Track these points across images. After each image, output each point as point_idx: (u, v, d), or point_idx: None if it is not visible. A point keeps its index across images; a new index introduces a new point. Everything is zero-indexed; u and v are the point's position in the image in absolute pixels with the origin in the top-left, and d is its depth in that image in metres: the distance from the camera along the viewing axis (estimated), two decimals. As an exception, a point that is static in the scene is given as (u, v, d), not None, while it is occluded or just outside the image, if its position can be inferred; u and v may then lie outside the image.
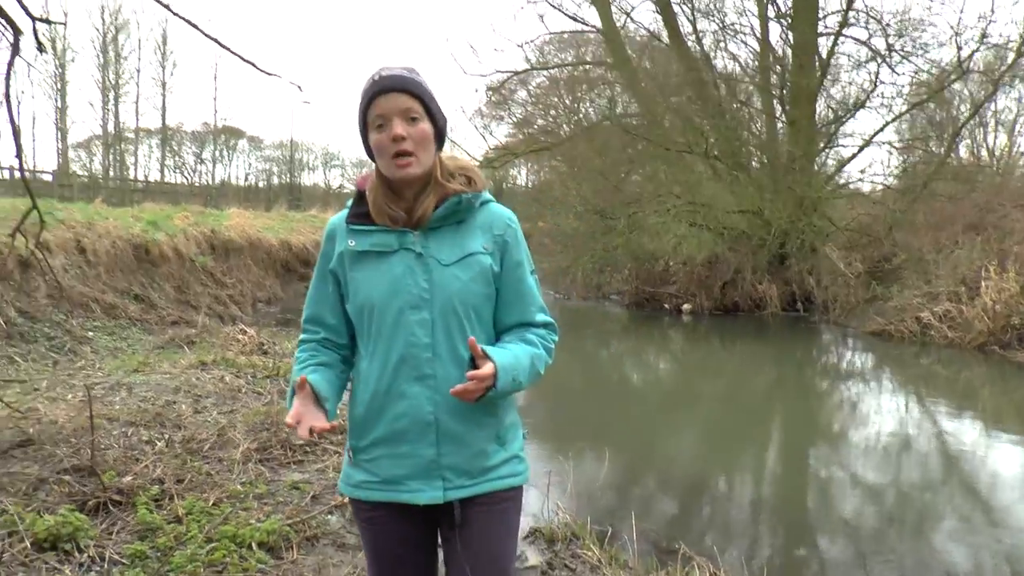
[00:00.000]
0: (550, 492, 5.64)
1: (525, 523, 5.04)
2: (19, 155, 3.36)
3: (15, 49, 3.21)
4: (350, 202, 2.18)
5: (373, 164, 2.13)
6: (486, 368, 1.96)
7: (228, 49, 2.79)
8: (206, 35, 2.76)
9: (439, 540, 2.22)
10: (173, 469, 4.75)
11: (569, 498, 5.64)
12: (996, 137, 26.95)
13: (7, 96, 3.32)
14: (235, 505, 4.34)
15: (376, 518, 2.13)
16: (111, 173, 54.76)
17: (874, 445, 8.22)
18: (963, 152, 20.70)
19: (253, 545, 3.85)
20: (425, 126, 2.04)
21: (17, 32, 3.19)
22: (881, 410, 10.14)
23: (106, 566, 3.51)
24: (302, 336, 2.23)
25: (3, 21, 3.24)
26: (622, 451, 7.27)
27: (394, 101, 2.01)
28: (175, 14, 2.84)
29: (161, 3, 2.89)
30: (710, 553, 4.62)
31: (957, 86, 20.38)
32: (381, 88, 2.02)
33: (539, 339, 2.16)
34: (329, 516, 4.42)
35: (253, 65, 2.75)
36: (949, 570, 4.88)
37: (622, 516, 5.40)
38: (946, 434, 8.72)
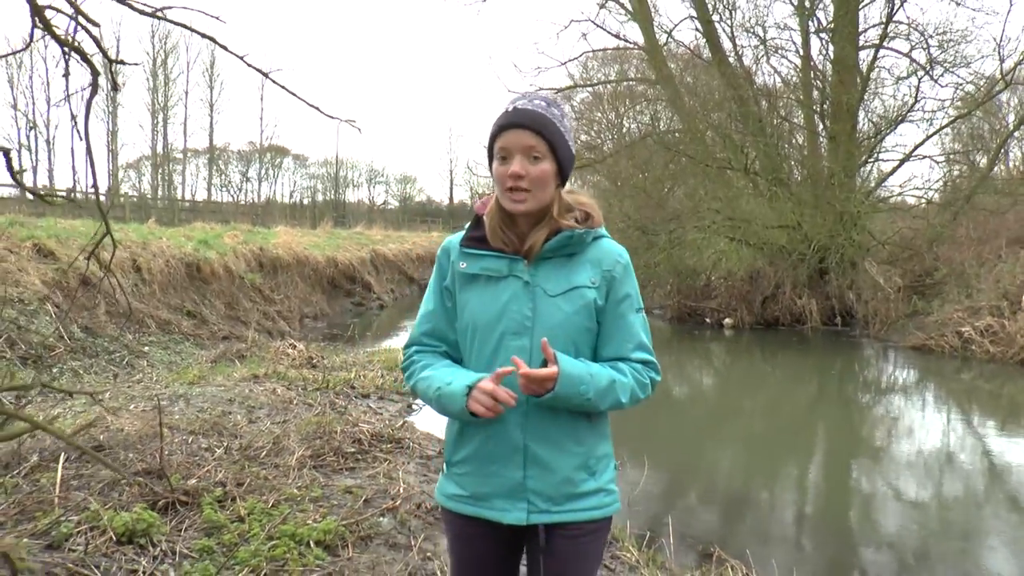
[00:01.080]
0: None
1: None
2: (95, 184, 3.66)
3: (94, 89, 3.38)
4: (468, 224, 2.25)
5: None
6: (546, 370, 2.00)
7: (294, 95, 3.05)
8: (275, 82, 3.03)
9: (523, 561, 2.29)
10: (233, 473, 5.04)
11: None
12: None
13: (86, 132, 3.58)
14: (292, 507, 4.61)
15: (465, 532, 2.20)
16: (159, 193, 55.96)
17: (915, 459, 8.29)
18: (1010, 163, 20.45)
19: (311, 543, 4.11)
20: (546, 166, 2.08)
21: (95, 73, 3.39)
22: (922, 424, 10.16)
23: (177, 559, 3.79)
24: (417, 348, 2.27)
25: (84, 63, 3.48)
26: (663, 460, 7.46)
27: (518, 138, 2.06)
28: (250, 66, 3.11)
29: (238, 56, 3.17)
30: (745, 558, 4.81)
31: (1004, 96, 20.31)
32: (509, 123, 2.07)
33: (631, 370, 2.19)
34: (381, 518, 4.67)
35: (317, 109, 3.00)
36: None
37: (661, 521, 5.59)
38: (989, 449, 8.75)
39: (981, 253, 17.89)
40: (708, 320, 20.20)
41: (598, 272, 2.17)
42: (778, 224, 18.97)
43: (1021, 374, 12.88)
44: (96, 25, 3.39)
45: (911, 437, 9.38)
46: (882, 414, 10.93)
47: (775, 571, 4.59)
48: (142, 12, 3.22)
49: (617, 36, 23.56)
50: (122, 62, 3.90)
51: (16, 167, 2.73)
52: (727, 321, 19.45)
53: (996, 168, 21.38)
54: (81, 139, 3.72)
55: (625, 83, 26.38)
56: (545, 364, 2.02)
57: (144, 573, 3.61)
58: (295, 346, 11.57)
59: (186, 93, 57.84)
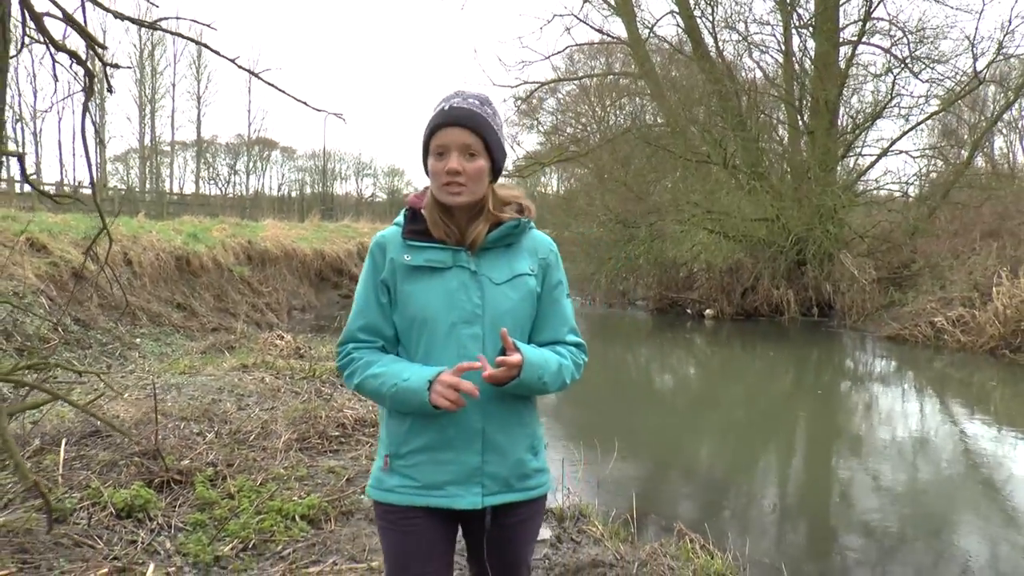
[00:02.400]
0: (563, 478, 6.23)
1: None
2: (93, 183, 3.95)
3: (89, 92, 3.56)
4: (400, 219, 2.27)
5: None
6: (514, 357, 2.07)
7: (283, 91, 3.34)
8: (266, 81, 3.32)
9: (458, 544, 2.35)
10: (224, 455, 5.36)
11: (579, 484, 6.20)
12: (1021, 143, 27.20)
13: (83, 132, 3.81)
14: (279, 485, 4.93)
15: (402, 523, 2.19)
16: (147, 186, 55.92)
17: (886, 444, 8.59)
18: (983, 158, 20.85)
19: (296, 517, 4.44)
20: (481, 162, 2.15)
21: (91, 76, 3.60)
22: (894, 411, 10.52)
23: (172, 532, 4.11)
24: (353, 345, 2.25)
25: (80, 67, 3.72)
26: (637, 445, 7.83)
27: (455, 135, 2.12)
28: (240, 67, 3.40)
29: (229, 60, 3.45)
30: (704, 531, 5.14)
31: (990, 90, 20.66)
32: (447, 121, 2.13)
33: (569, 353, 2.29)
34: (362, 496, 4.98)
35: (305, 103, 3.28)
36: (965, 564, 5.22)
37: (627, 500, 5.91)
38: (959, 435, 9.09)
39: (956, 246, 18.32)
40: (689, 311, 20.58)
41: (535, 260, 2.27)
42: (757, 217, 19.33)
43: (990, 363, 13.27)
44: (96, 40, 3.68)
45: (883, 423, 9.73)
46: (855, 401, 11.32)
47: (730, 543, 4.92)
48: (140, 23, 3.45)
49: (600, 31, 23.90)
50: (116, 66, 4.18)
51: (29, 170, 3.02)
52: (708, 312, 19.83)
53: (979, 161, 21.71)
54: (83, 140, 4.02)
55: (610, 76, 26.66)
56: (503, 352, 2.10)
57: (142, 544, 3.93)
58: (283, 337, 11.85)
59: (173, 85, 57.69)
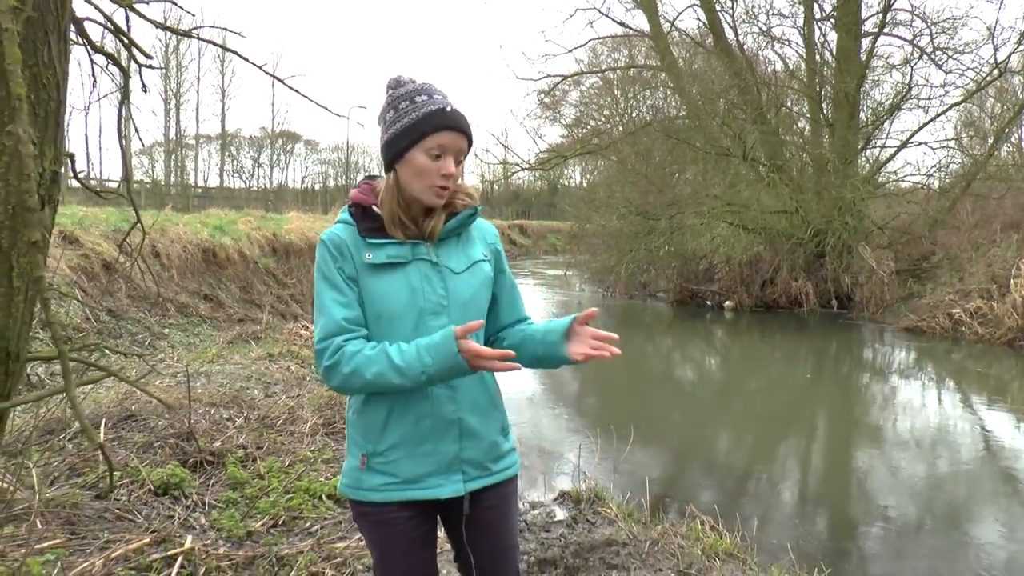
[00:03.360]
0: (580, 463, 6.46)
1: (556, 487, 5.84)
2: (128, 179, 4.16)
3: (125, 92, 3.76)
4: (345, 216, 2.25)
5: (383, 176, 2.25)
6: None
7: (304, 95, 3.53)
8: (292, 88, 3.52)
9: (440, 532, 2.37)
10: (253, 439, 5.60)
11: (596, 469, 6.42)
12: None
13: (119, 132, 4.02)
14: (306, 467, 5.17)
15: (391, 518, 2.17)
16: (172, 179, 56.44)
17: (902, 435, 8.73)
18: (1006, 150, 20.79)
19: (323, 496, 4.66)
20: (462, 167, 2.20)
21: (127, 76, 3.79)
22: (911, 403, 10.60)
23: (206, 508, 4.34)
24: (342, 338, 2.11)
25: (116, 68, 3.92)
26: (652, 433, 8.00)
27: (456, 141, 2.13)
28: (268, 74, 3.60)
29: (257, 67, 3.66)
30: (715, 514, 5.33)
31: (1018, 80, 20.53)
32: (452, 125, 2.12)
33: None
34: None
35: (326, 109, 3.47)
36: (979, 552, 5.36)
37: (642, 485, 6.10)
38: (977, 427, 9.17)
39: (976, 238, 18.33)
40: (709, 303, 20.68)
41: (485, 246, 2.32)
42: (776, 210, 19.40)
43: (1007, 355, 13.33)
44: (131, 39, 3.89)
45: (898, 414, 9.83)
46: (871, 392, 11.44)
47: (739, 524, 5.10)
48: (177, 32, 3.65)
49: (622, 24, 24.00)
50: (150, 66, 4.39)
51: (81, 169, 3.23)
52: (727, 304, 19.92)
53: (1005, 151, 21.55)
54: (120, 139, 4.23)
55: (633, 69, 26.76)
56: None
57: (179, 519, 4.16)
58: (308, 327, 12.12)
59: (198, 79, 58.24)
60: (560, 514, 5.25)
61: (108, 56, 3.95)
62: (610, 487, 5.83)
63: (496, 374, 2.25)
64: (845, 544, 5.59)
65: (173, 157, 59.07)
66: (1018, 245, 16.09)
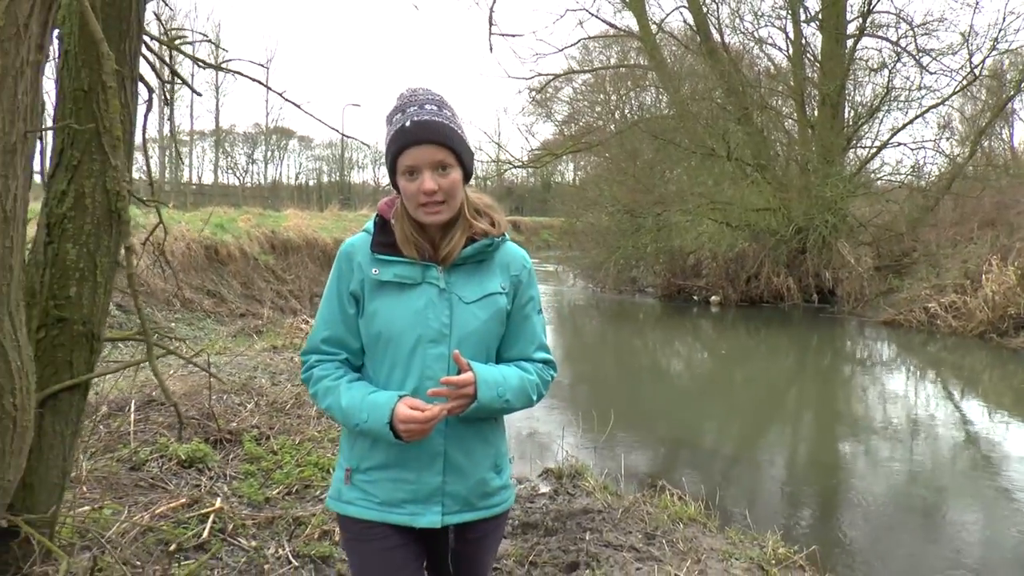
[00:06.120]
0: (564, 445, 7.04)
1: (540, 464, 6.41)
2: (151, 184, 4.68)
3: (148, 105, 4.18)
4: (370, 226, 2.18)
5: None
6: (464, 376, 2.00)
7: (317, 118, 4.07)
8: (311, 115, 4.05)
9: (425, 560, 2.27)
10: (265, 420, 6.15)
11: (577, 449, 7.02)
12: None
13: (144, 144, 4.52)
14: (315, 445, 5.72)
15: (367, 533, 2.14)
16: (167, 176, 56.71)
17: (878, 422, 9.28)
18: (981, 151, 21.35)
19: (330, 469, 5.21)
20: (455, 175, 2.04)
21: (151, 91, 4.28)
22: (887, 392, 11.21)
23: (228, 479, 4.89)
24: (317, 357, 2.18)
25: (142, 84, 4.42)
26: (633, 419, 8.62)
27: (425, 153, 1.99)
28: (288, 100, 4.12)
29: (278, 94, 4.19)
30: (683, 487, 5.90)
31: (1009, 76, 21.06)
32: (413, 140, 1.99)
33: (535, 369, 2.20)
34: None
35: (337, 131, 3.99)
36: (959, 535, 5.76)
37: (618, 463, 6.67)
38: (950, 414, 9.75)
39: (955, 235, 18.97)
40: (696, 297, 21.27)
41: (507, 277, 2.18)
42: (759, 207, 19.97)
43: (979, 346, 13.94)
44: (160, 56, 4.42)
45: (874, 402, 10.46)
46: (849, 381, 12.06)
47: (703, 495, 5.66)
48: (205, 65, 4.14)
49: (612, 25, 24.53)
50: (172, 82, 4.87)
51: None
52: (713, 298, 20.52)
53: (998, 147, 22.01)
54: (144, 151, 4.75)
55: (622, 68, 27.28)
56: (459, 373, 2.03)
57: (205, 488, 4.71)
58: (308, 322, 12.66)
59: (192, 75, 58.46)
60: (544, 487, 5.82)
61: (147, 86, 4.45)
62: (590, 465, 6.39)
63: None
64: (805, 512, 6.18)
65: (167, 154, 59.39)
66: (992, 242, 16.69)
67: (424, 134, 1.99)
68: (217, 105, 60.02)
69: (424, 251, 2.10)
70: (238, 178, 64.83)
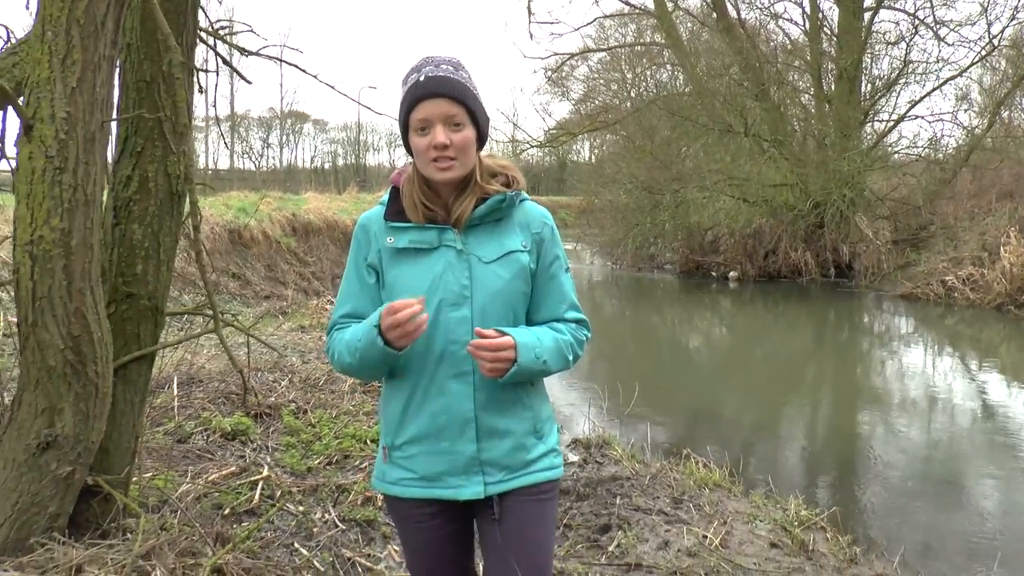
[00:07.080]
0: (591, 416, 7.24)
1: (568, 435, 6.60)
2: (195, 169, 4.84)
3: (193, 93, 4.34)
4: (385, 198, 2.16)
5: (411, 160, 2.11)
6: (504, 339, 1.96)
7: (344, 94, 4.21)
8: (342, 93, 4.20)
9: (475, 534, 2.25)
10: (300, 396, 6.38)
11: (604, 420, 7.22)
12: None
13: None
14: (350, 418, 5.93)
15: (414, 515, 2.12)
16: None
17: (896, 394, 9.45)
18: (1000, 122, 21.27)
19: (368, 440, 5.42)
20: (468, 132, 2.02)
21: (197, 80, 4.41)
22: (907, 364, 11.32)
23: (270, 450, 5.10)
24: (338, 330, 2.13)
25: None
26: (657, 391, 8.80)
27: (438, 107, 1.98)
28: (322, 83, 4.27)
29: (312, 76, 4.34)
30: (708, 455, 6.08)
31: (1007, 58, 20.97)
32: (427, 93, 1.98)
33: (568, 330, 2.15)
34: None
35: (368, 107, 4.15)
36: (978, 503, 5.89)
37: (644, 433, 6.85)
38: (968, 387, 9.86)
39: (973, 207, 18.99)
40: (714, 273, 21.38)
41: (528, 235, 2.13)
42: (776, 183, 20.03)
43: (996, 318, 14.03)
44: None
45: (893, 375, 10.58)
46: (868, 355, 12.15)
47: (727, 463, 5.83)
48: (244, 52, 4.27)
49: (628, 2, 24.53)
50: (218, 70, 5.02)
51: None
52: (732, 274, 20.63)
53: (1000, 123, 21.97)
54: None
55: (638, 46, 27.29)
56: None
57: (248, 458, 4.92)
58: (331, 302, 12.87)
59: (206, 60, 58.49)
60: (573, 457, 6.00)
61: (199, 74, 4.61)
62: (616, 435, 6.58)
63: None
64: (825, 479, 6.36)
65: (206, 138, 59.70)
66: (1010, 214, 16.72)
67: (437, 87, 1.98)
68: (232, 89, 60.27)
69: (437, 215, 2.08)
70: (254, 163, 65.16)
